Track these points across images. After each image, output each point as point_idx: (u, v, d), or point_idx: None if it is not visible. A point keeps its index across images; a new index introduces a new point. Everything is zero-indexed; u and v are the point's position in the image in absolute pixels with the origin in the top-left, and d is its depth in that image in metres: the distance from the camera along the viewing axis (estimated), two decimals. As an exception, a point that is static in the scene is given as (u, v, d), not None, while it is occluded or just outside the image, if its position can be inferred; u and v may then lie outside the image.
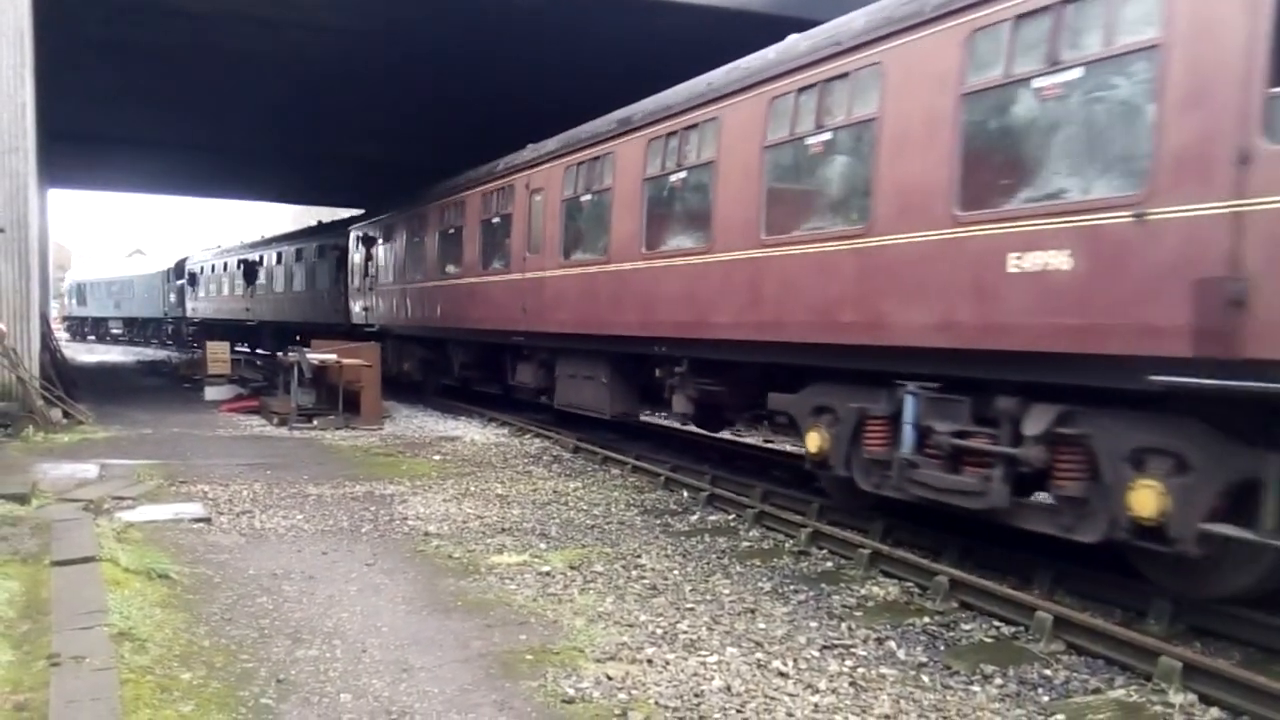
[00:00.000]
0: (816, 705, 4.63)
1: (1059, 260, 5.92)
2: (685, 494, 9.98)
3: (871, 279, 7.41)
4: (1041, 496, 6.54)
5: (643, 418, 14.02)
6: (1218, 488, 5.24)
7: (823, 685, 4.89)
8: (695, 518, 9.00)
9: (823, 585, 6.79)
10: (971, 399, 6.73)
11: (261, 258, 33.39)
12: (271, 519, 8.39)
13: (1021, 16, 6.23)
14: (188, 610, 5.76)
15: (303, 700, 4.51)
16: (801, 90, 8.32)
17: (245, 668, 4.89)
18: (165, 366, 29.47)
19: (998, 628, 5.94)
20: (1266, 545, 5.01)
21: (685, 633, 5.63)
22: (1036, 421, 6.15)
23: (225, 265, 37.38)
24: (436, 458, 12.31)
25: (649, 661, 5.13)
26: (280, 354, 18.59)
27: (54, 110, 18.38)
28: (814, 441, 8.08)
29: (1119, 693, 4.93)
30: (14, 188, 12.86)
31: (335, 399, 15.41)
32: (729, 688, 4.79)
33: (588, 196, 12.45)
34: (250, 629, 5.49)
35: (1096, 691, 4.97)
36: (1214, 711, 4.66)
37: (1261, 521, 4.99)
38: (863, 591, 6.68)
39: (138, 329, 51.35)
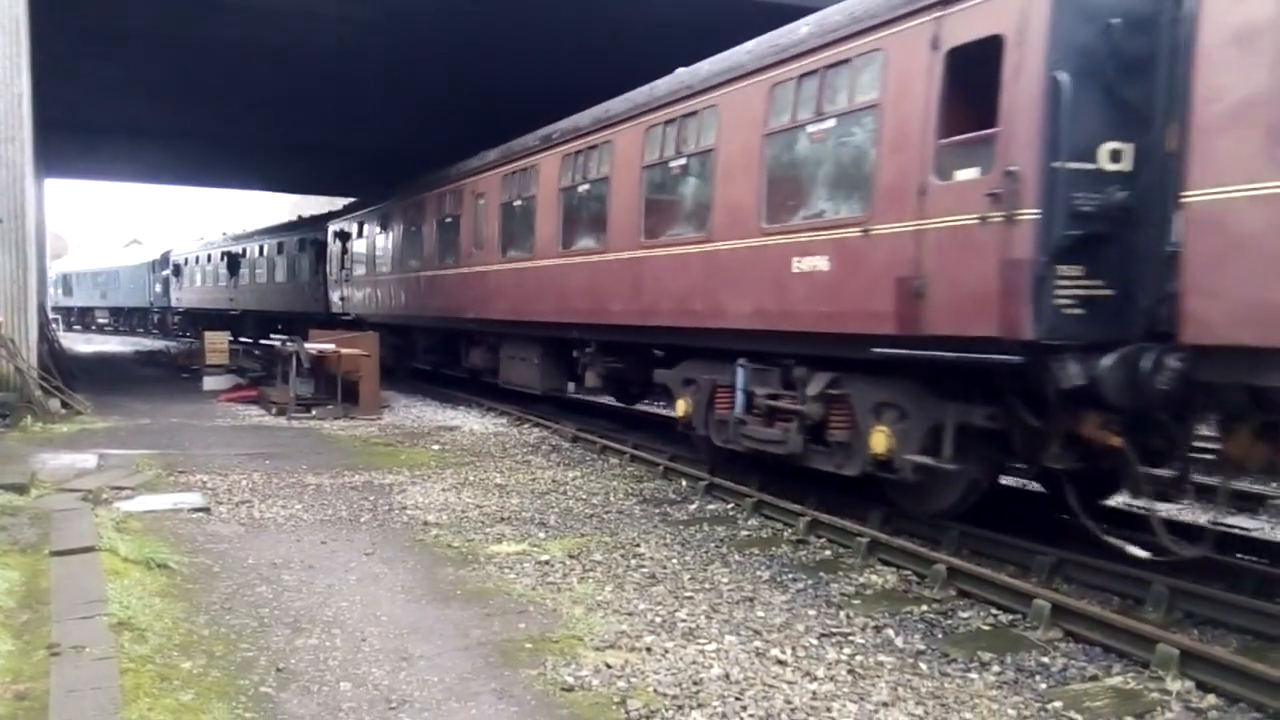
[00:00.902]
0: (815, 693, 4.64)
1: (821, 264, 7.99)
2: (684, 483, 9.98)
3: (712, 276, 9.46)
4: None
5: (640, 406, 15.09)
6: (922, 430, 7.19)
7: (821, 673, 4.90)
8: (694, 507, 9.01)
9: (821, 574, 6.80)
10: (780, 369, 8.77)
11: (244, 250, 35.08)
12: (270, 509, 8.40)
13: (803, 75, 8.26)
14: (187, 600, 5.77)
15: (302, 689, 4.52)
16: (668, 122, 10.38)
17: (245, 656, 4.90)
18: (163, 356, 29.44)
19: (995, 615, 5.96)
20: (947, 470, 7.00)
21: (684, 621, 5.65)
22: (815, 385, 8.24)
23: (209, 257, 39.31)
24: (435, 447, 12.31)
25: (648, 650, 5.14)
26: (278, 342, 18.86)
27: (50, 99, 18.31)
28: (681, 407, 10.29)
29: (1116, 680, 4.95)
30: (10, 177, 12.82)
31: (334, 389, 15.41)
32: (728, 675, 4.81)
33: (519, 201, 14.43)
34: (250, 618, 5.50)
35: (1094, 679, 4.98)
36: (1211, 698, 4.67)
37: (942, 453, 6.96)
38: (861, 580, 6.69)
39: (123, 318, 53.20)
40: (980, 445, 7.03)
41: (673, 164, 10.35)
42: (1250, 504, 8.99)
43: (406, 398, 18.37)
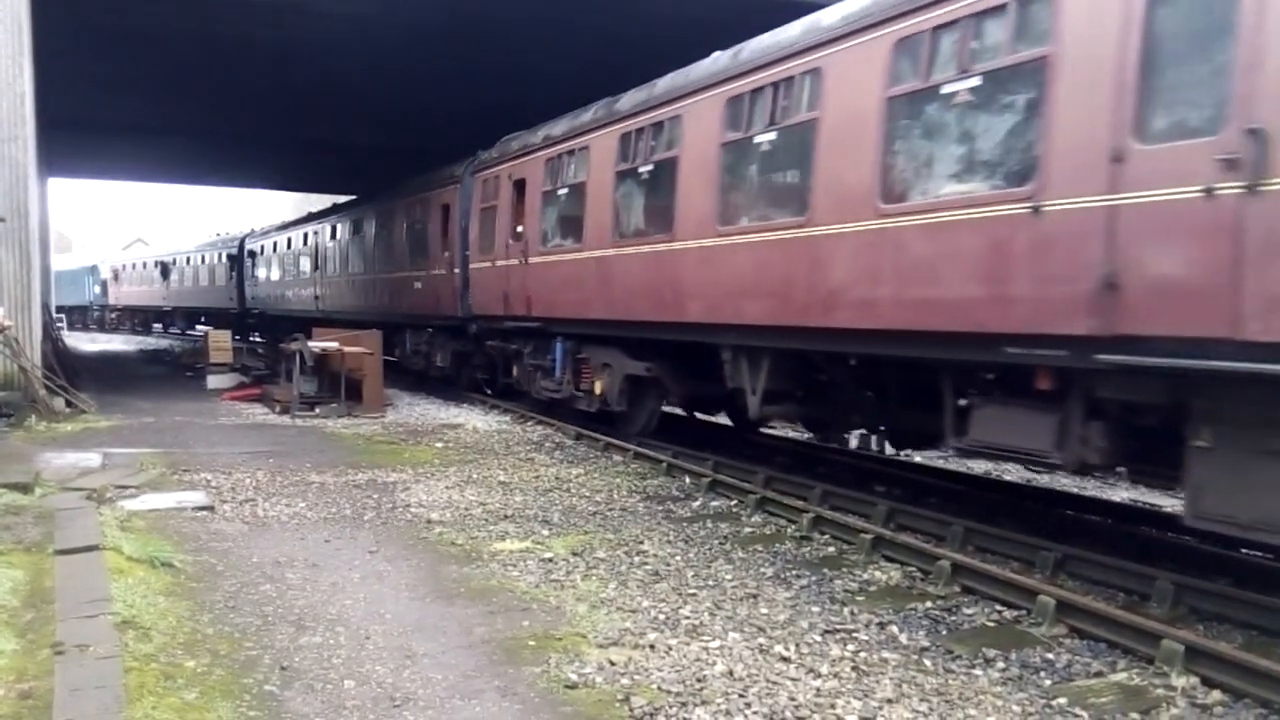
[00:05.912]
0: (818, 689, 4.63)
1: (422, 284, 18.98)
2: (688, 480, 9.98)
3: (396, 289, 20.48)
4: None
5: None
6: (448, 353, 18.42)
7: (825, 669, 4.90)
8: (697, 504, 9.01)
9: (825, 570, 6.80)
10: (421, 331, 19.52)
11: (175, 260, 45.96)
12: (274, 507, 8.40)
13: (412, 203, 20.16)
14: (191, 598, 5.77)
15: (306, 687, 4.53)
16: (381, 212, 22.28)
17: (249, 655, 4.91)
18: (167, 355, 29.54)
19: (1000, 612, 5.95)
20: (446, 369, 19.19)
21: (687, 618, 5.64)
22: (426, 337, 19.46)
23: (145, 264, 50.46)
24: (439, 445, 12.32)
25: (651, 647, 5.14)
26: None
27: (53, 98, 18.32)
28: (399, 354, 20.38)
29: (1121, 676, 4.93)
30: (14, 177, 12.83)
31: (337, 387, 15.43)
32: (731, 672, 4.80)
33: (332, 241, 26.03)
34: (254, 616, 5.51)
35: (1099, 675, 4.97)
36: (1216, 694, 4.66)
37: (450, 363, 18.75)
38: (865, 576, 6.68)
39: (64, 315, 64.49)
40: (461, 359, 17.72)
41: (380, 235, 21.86)
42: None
43: (410, 396, 18.39)
